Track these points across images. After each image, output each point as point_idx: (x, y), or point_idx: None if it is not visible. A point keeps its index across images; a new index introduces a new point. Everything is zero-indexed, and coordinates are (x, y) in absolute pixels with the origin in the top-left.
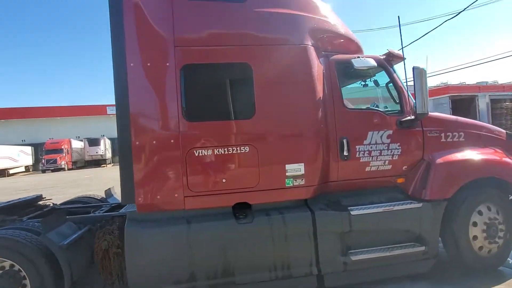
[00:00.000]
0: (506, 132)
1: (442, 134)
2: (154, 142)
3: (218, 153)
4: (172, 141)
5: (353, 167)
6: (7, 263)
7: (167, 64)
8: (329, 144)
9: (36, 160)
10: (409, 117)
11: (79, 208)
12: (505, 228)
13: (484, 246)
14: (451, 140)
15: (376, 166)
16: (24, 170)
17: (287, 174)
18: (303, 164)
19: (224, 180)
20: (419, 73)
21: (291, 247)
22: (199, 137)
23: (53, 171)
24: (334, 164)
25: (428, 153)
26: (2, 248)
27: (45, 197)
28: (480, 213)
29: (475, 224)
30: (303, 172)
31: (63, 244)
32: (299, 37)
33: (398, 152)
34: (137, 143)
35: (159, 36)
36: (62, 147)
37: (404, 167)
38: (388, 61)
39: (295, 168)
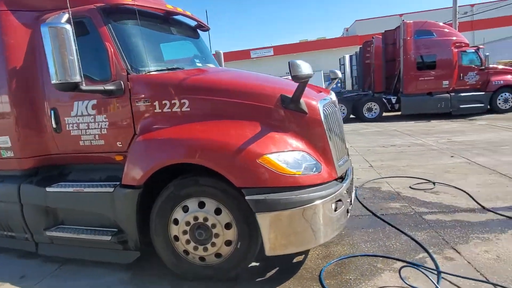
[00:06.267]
0: (281, 96)
1: (156, 103)
2: None
3: None
4: None
5: (67, 141)
6: None
7: None
8: (39, 116)
9: None
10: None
11: None
12: (233, 235)
13: (189, 251)
14: (169, 110)
15: (88, 140)
16: None
17: (0, 146)
18: (8, 136)
19: None
20: (47, 33)
21: (7, 212)
22: None
23: None
24: (49, 136)
25: (139, 127)
26: None
27: None
28: (185, 209)
29: (176, 221)
30: (10, 145)
31: None
32: None
33: (105, 125)
34: None
35: None
36: None
37: (119, 143)
38: (111, 14)
39: (3, 141)
